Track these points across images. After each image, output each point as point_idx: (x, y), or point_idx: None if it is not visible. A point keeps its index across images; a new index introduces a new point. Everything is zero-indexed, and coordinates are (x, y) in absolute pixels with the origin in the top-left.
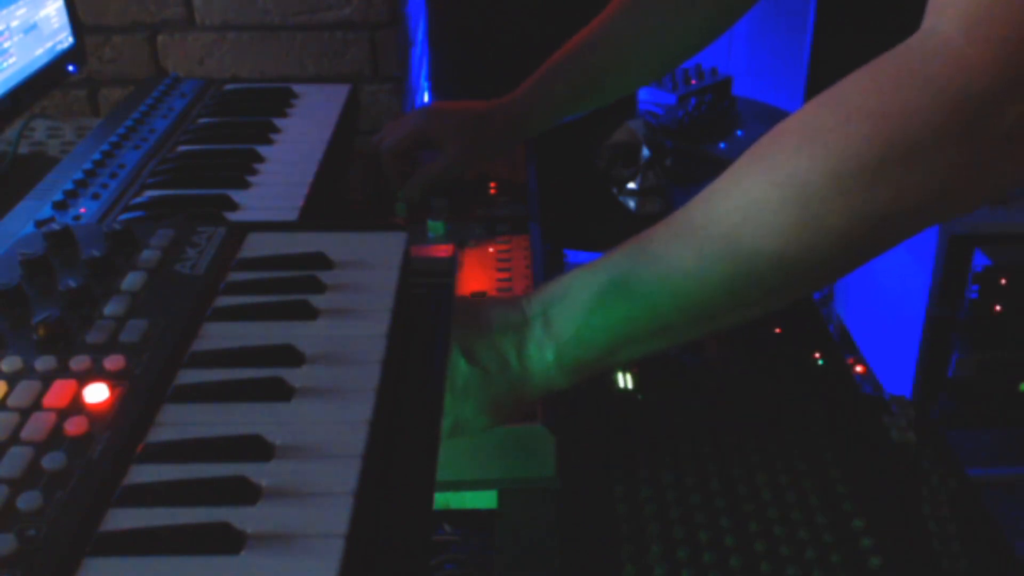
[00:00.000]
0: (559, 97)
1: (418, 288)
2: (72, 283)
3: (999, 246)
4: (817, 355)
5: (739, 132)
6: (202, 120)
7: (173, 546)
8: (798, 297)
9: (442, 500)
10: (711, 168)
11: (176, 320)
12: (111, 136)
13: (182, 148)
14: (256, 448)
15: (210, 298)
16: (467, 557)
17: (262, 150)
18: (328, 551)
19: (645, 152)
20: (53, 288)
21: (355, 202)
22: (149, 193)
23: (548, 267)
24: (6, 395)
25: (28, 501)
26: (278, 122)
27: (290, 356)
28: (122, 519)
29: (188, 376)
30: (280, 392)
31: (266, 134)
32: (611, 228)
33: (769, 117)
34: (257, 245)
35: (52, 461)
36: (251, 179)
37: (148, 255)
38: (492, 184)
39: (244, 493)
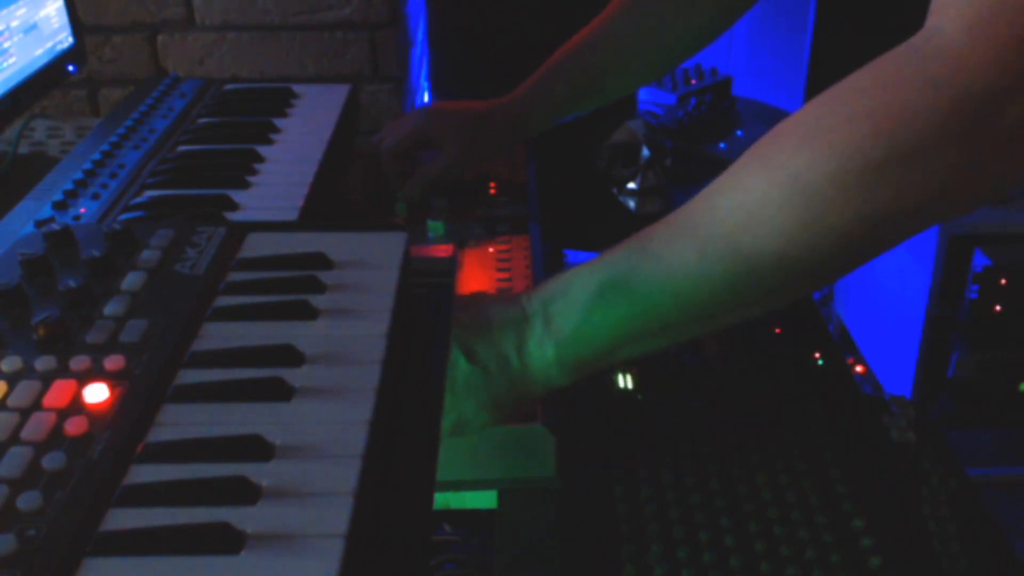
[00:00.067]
0: (559, 97)
1: (418, 288)
2: (72, 283)
3: (999, 246)
4: (817, 355)
5: (739, 132)
6: (202, 120)
7: (173, 546)
8: (798, 297)
9: (442, 500)
10: (711, 168)
11: (176, 320)
12: (111, 136)
13: (182, 148)
14: (256, 448)
15: (210, 298)
16: (467, 557)
17: (262, 150)
18: (328, 551)
19: (645, 152)
20: (53, 288)
21: (355, 202)
22: (149, 193)
23: (548, 267)
24: (6, 395)
25: (28, 501)
26: (278, 122)
27: (290, 356)
28: (122, 519)
29: (188, 376)
30: (280, 392)
31: (266, 134)
32: (611, 228)
33: (769, 117)
34: (257, 245)
35: (52, 461)
36: (251, 179)
37: (148, 255)
38: (492, 184)
39: (244, 493)
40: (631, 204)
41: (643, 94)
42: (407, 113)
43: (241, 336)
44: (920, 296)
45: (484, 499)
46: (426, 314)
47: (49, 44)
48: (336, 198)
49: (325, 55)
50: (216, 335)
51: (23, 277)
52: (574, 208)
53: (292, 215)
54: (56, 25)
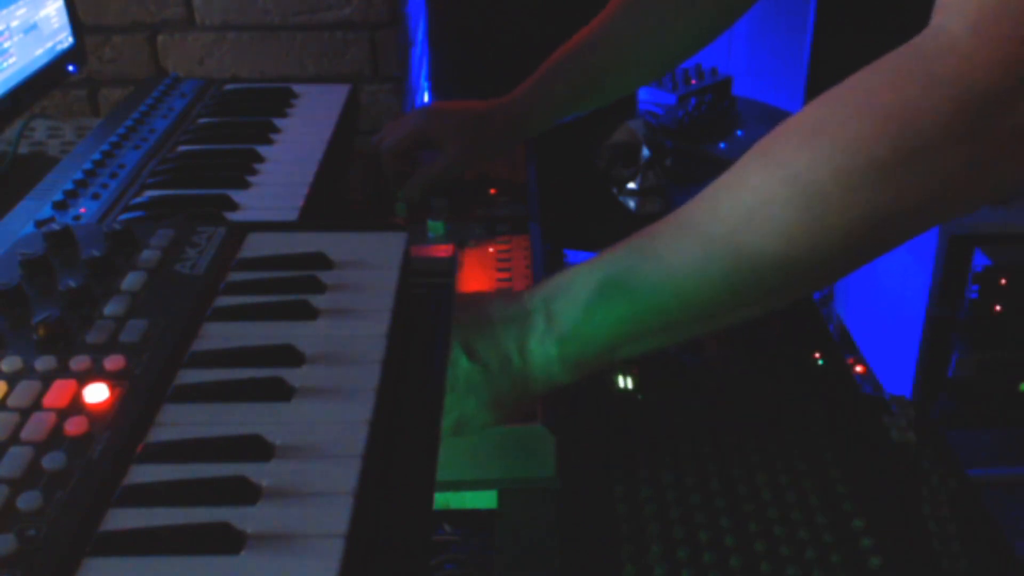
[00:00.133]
0: (559, 97)
1: (418, 288)
2: (72, 283)
3: (999, 246)
4: (817, 355)
5: (739, 132)
6: (202, 120)
7: (173, 546)
8: (799, 297)
9: (442, 500)
10: (711, 168)
11: (176, 320)
12: (111, 136)
13: (182, 148)
14: (256, 448)
15: (210, 298)
16: (467, 557)
17: (262, 150)
18: (328, 551)
19: (645, 152)
20: (53, 288)
21: (355, 202)
22: (149, 193)
23: (548, 267)
24: (6, 395)
25: (28, 501)
26: (278, 122)
27: (290, 356)
28: (122, 519)
29: (188, 376)
30: (280, 392)
31: (266, 134)
32: (611, 228)
33: (769, 117)
34: (257, 245)
35: (52, 461)
36: (251, 179)
37: (148, 255)
38: (492, 185)
39: (244, 493)
40: (631, 204)
41: (643, 94)
42: (407, 113)
43: (241, 336)
44: (920, 296)
45: (484, 499)
46: (426, 314)
47: (49, 44)
48: (336, 198)
49: (325, 55)
50: (216, 335)
51: (23, 277)
52: (574, 208)
53: (292, 215)
54: (56, 25)
